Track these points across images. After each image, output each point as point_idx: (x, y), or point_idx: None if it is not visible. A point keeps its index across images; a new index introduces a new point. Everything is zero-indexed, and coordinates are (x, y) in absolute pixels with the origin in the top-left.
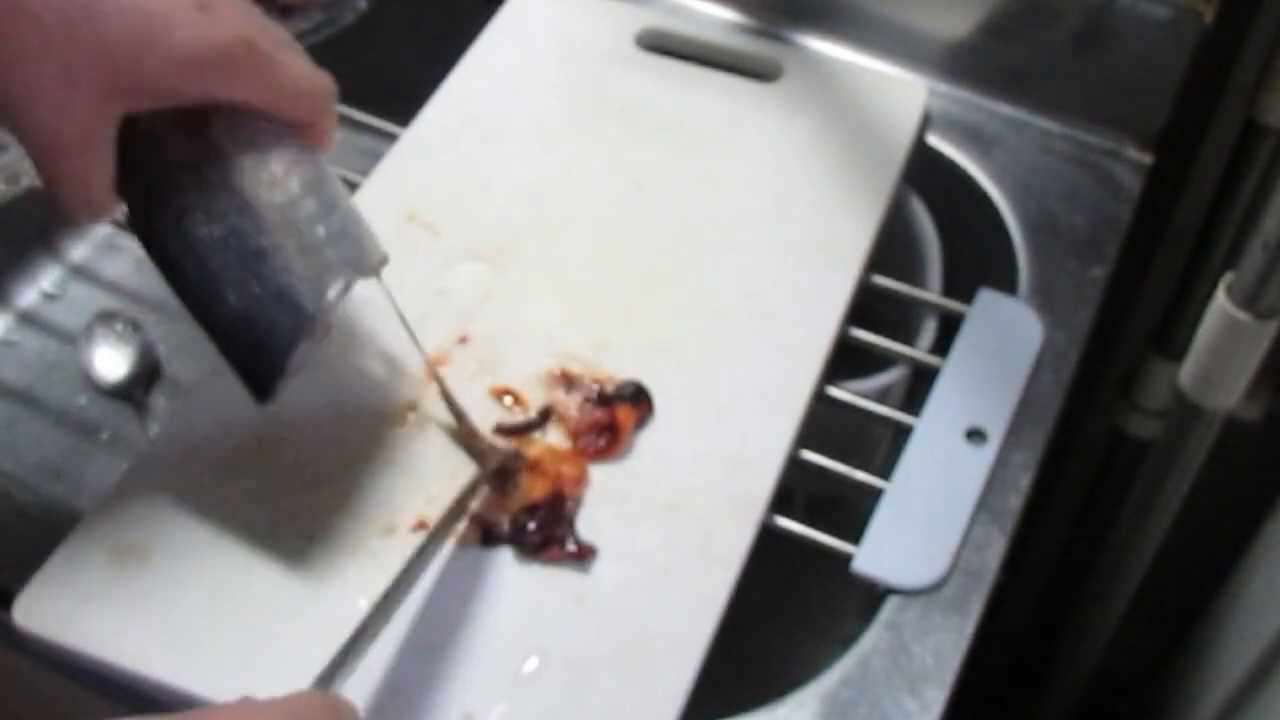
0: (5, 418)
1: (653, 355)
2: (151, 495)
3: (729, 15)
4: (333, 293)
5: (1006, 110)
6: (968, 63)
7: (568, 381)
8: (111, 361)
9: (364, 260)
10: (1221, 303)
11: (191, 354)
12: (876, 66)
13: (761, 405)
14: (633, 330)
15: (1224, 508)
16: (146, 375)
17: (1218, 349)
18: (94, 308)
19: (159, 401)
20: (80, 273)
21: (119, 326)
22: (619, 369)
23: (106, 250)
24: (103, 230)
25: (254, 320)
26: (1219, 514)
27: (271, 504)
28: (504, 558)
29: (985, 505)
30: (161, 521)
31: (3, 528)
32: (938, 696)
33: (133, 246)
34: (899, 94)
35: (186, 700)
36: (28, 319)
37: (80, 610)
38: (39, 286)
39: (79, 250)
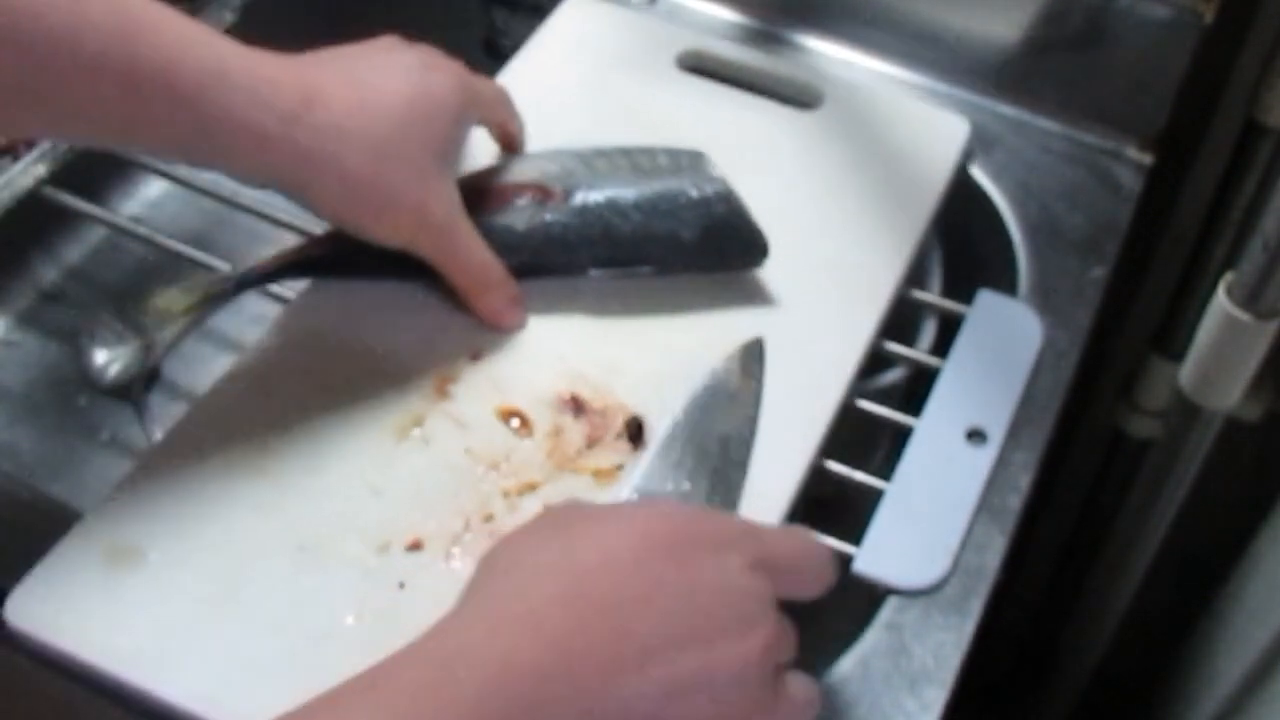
0: (5, 418)
1: (662, 382)
2: (152, 498)
3: (726, 14)
4: None
5: (1006, 110)
6: (968, 63)
7: (576, 406)
8: (111, 361)
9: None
10: (1221, 303)
11: (191, 355)
12: (876, 65)
13: (775, 440)
14: (646, 355)
15: (1224, 508)
16: (146, 375)
17: (1218, 349)
18: (94, 308)
19: (159, 401)
20: (80, 273)
21: (119, 326)
22: (629, 393)
23: (106, 250)
24: (102, 231)
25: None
26: (1219, 514)
27: (269, 514)
28: None
29: (985, 505)
30: (159, 525)
31: (2, 528)
32: (938, 696)
33: (132, 246)
34: (940, 128)
35: (166, 710)
36: (28, 319)
37: (70, 611)
38: (39, 286)
39: (78, 251)
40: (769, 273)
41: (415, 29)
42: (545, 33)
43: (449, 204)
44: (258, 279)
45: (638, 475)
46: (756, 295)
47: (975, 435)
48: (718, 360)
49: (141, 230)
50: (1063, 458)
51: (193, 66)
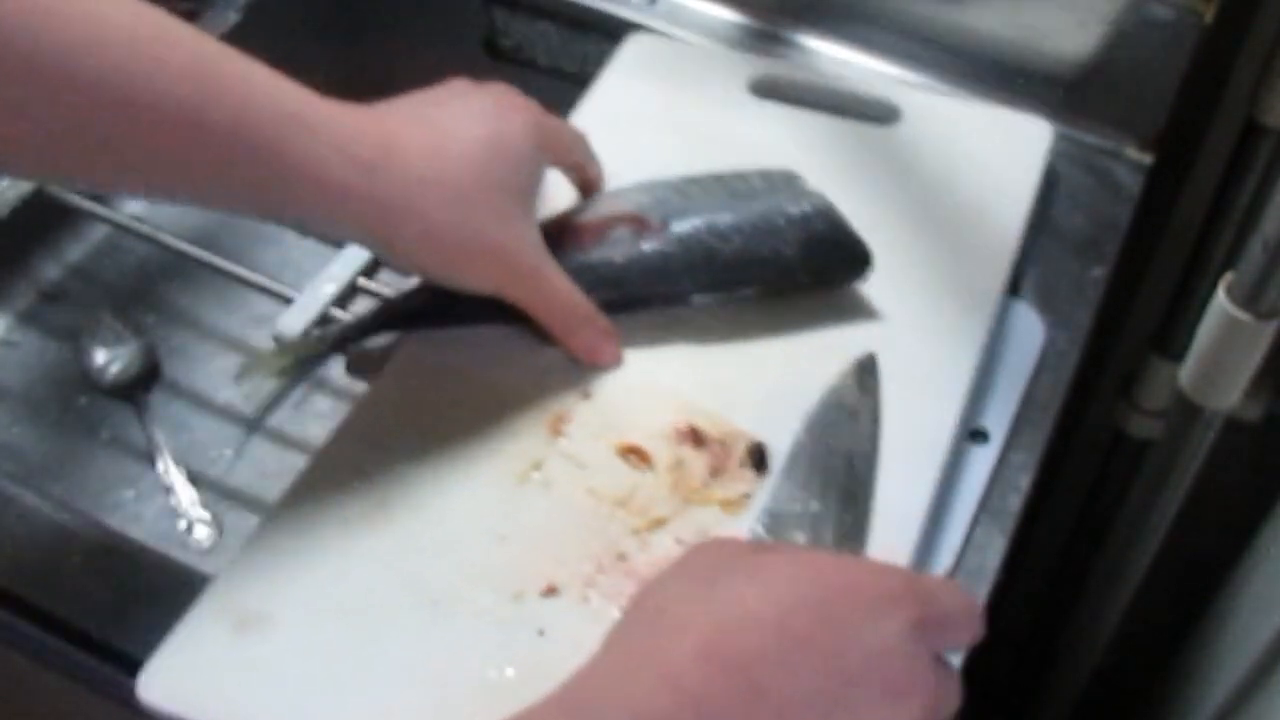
0: (5, 418)
1: (778, 405)
2: (275, 561)
3: (727, 14)
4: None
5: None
6: (966, 63)
7: (695, 438)
8: (111, 361)
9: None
10: (1221, 303)
11: (191, 354)
12: (875, 65)
13: (898, 454)
14: (758, 379)
15: (1224, 508)
16: (146, 375)
17: (1218, 349)
18: (94, 308)
19: (159, 401)
20: (80, 273)
21: (119, 326)
22: (747, 420)
23: (106, 250)
24: (103, 230)
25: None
26: (1219, 514)
27: (396, 569)
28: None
29: (985, 505)
30: (286, 588)
31: (3, 528)
32: None
33: (133, 245)
34: (1022, 133)
35: None
36: (28, 319)
37: (204, 683)
38: (39, 286)
39: (79, 250)
40: (871, 288)
41: (416, 29)
42: (611, 72)
43: (532, 246)
44: (351, 336)
45: (766, 498)
46: (862, 311)
47: (977, 435)
48: (832, 378)
49: (144, 229)
50: (1063, 458)
51: (274, 118)
